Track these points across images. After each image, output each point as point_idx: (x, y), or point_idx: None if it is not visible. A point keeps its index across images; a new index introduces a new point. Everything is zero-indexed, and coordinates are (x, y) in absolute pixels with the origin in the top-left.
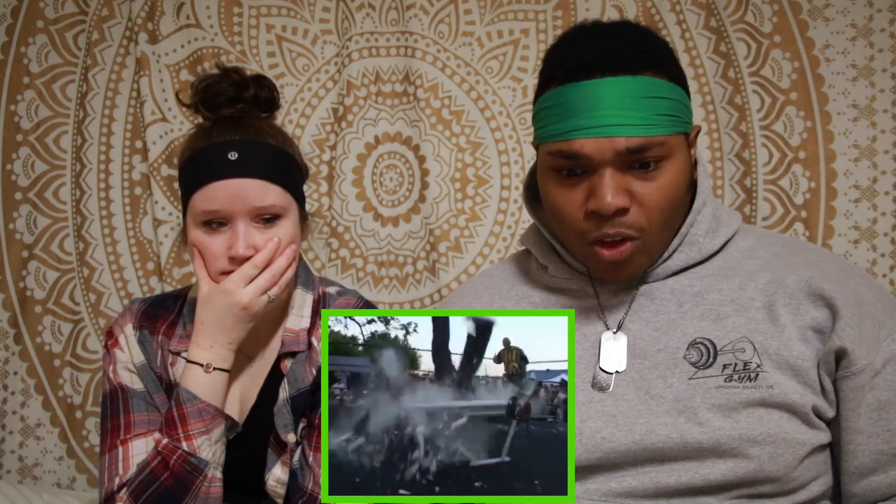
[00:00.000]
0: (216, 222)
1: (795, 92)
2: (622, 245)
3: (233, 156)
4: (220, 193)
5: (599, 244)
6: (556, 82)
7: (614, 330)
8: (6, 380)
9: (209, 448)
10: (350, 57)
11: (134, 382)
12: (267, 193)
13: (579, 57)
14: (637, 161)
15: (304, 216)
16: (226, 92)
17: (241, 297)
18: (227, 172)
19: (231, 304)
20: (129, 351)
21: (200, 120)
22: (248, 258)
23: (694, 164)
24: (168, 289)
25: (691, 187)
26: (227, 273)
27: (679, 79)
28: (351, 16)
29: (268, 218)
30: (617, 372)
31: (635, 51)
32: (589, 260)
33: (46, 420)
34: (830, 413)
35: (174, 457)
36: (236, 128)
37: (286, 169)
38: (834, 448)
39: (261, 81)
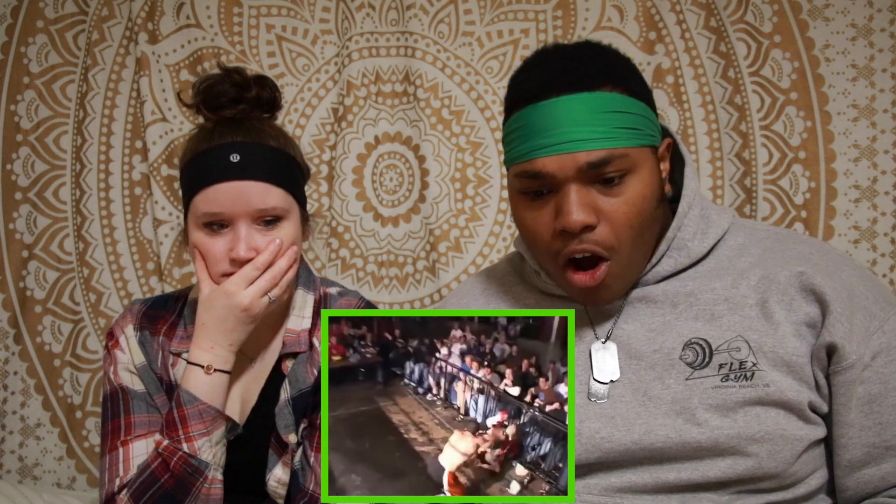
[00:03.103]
0: (217, 224)
1: (795, 92)
2: (596, 269)
3: (234, 158)
4: (222, 196)
5: (573, 269)
6: (519, 106)
7: (603, 340)
8: (6, 380)
9: (210, 450)
10: (350, 57)
11: (134, 383)
12: (268, 195)
13: (538, 79)
14: (600, 176)
15: (305, 217)
16: (227, 93)
17: (242, 299)
18: (229, 174)
19: (232, 305)
20: (130, 352)
21: (202, 120)
22: (249, 260)
23: (666, 178)
24: (168, 289)
25: (664, 201)
26: (228, 275)
27: (641, 94)
28: (351, 16)
29: (269, 220)
30: (612, 381)
31: (592, 68)
32: (565, 287)
33: (46, 420)
34: (825, 408)
35: (175, 458)
36: (238, 129)
37: (288, 171)
38: (827, 441)
39: (262, 82)
